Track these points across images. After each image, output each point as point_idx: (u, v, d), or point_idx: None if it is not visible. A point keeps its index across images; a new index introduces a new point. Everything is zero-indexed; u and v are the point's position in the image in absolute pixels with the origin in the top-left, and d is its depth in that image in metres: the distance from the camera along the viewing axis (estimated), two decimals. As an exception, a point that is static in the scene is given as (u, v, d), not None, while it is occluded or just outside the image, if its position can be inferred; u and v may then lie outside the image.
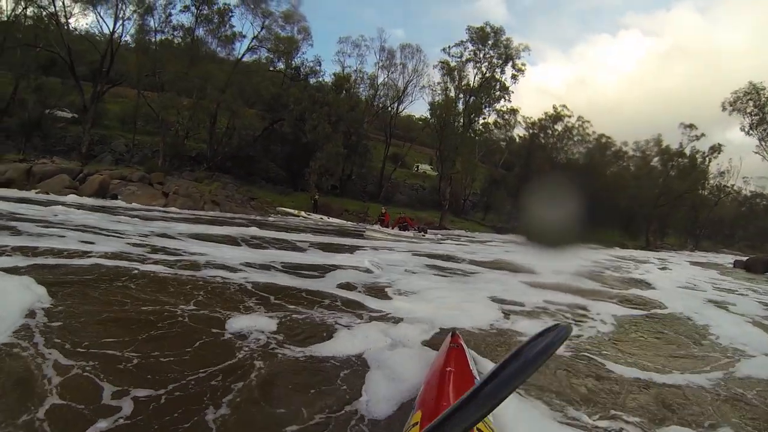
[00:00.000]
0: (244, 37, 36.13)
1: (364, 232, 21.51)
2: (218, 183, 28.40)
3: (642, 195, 52.89)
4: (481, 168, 47.71)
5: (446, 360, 3.08)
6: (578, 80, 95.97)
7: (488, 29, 40.60)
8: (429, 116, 43.74)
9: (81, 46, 32.96)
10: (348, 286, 7.78)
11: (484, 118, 42.94)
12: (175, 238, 11.44)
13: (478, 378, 2.97)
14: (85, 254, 7.60)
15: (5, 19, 30.71)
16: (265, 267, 8.80)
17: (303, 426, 3.04)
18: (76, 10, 32.05)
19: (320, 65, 39.92)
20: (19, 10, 30.96)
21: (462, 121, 40.12)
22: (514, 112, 46.04)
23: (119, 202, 22.15)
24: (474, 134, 42.08)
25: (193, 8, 34.38)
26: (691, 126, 52.84)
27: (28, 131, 31.36)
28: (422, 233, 22.67)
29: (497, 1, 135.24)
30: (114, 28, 32.02)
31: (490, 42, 40.43)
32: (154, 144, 34.57)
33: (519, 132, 50.61)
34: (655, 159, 54.16)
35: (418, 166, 55.44)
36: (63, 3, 30.97)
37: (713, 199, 59.15)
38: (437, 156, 43.26)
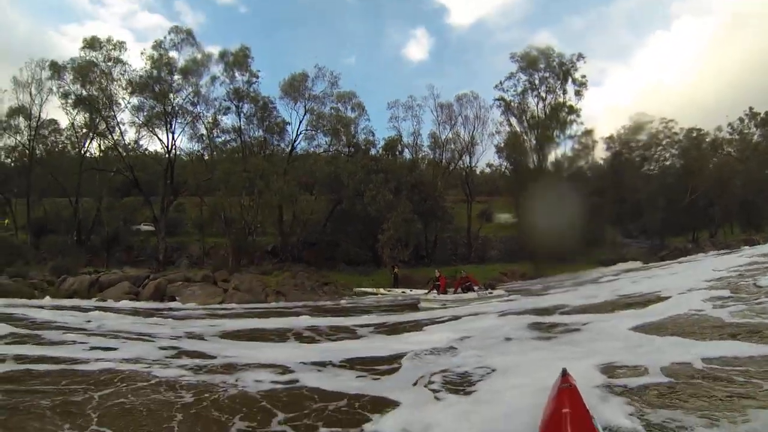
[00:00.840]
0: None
1: (418, 303, 18.94)
2: (288, 273, 26.46)
3: (756, 179, 46.13)
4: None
5: (559, 401, 3.03)
6: (647, 87, 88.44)
7: (534, 52, 37.27)
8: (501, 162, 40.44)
9: (149, 165, 36.67)
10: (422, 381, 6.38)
11: (558, 148, 39.12)
12: (207, 340, 10.54)
13: (594, 416, 2.95)
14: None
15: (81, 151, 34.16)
16: (315, 365, 7.64)
17: None
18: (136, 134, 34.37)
19: (373, 135, 37.24)
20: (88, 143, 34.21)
21: (535, 157, 36.34)
22: (589, 133, 41.09)
23: (175, 304, 21.38)
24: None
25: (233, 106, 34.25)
26: None
27: (108, 246, 32.94)
28: (488, 291, 20.09)
29: (545, 35, 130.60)
30: (167, 142, 33.53)
31: (542, 65, 36.88)
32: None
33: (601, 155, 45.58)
34: (759, 133, 48.33)
35: (499, 217, 49.12)
36: (120, 130, 33.75)
37: None
38: (516, 201, 39.01)
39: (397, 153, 35.47)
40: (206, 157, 34.72)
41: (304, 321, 14.27)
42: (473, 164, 42.03)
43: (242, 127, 34.36)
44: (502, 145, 38.19)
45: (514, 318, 11.98)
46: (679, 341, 7.43)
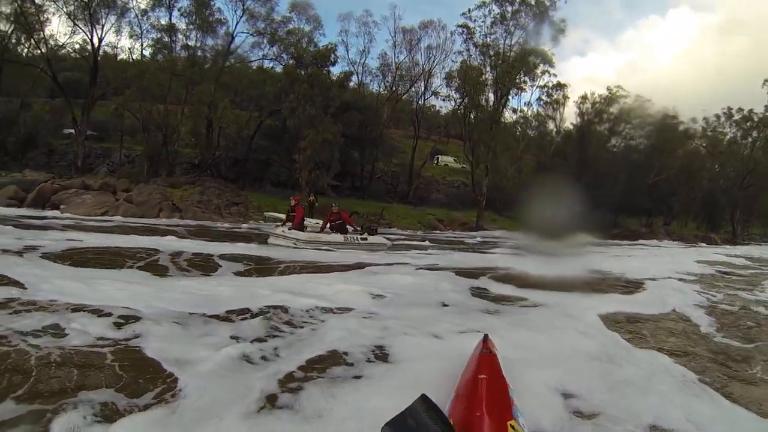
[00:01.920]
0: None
1: (268, 238, 14.28)
2: (199, 188, 23.12)
3: (723, 177, 44.45)
4: (527, 159, 40.47)
5: (477, 367, 2.98)
6: (629, 67, 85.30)
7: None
8: (450, 93, 35.75)
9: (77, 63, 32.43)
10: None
11: (522, 94, 36.07)
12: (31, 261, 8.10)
13: (511, 386, 2.90)
14: None
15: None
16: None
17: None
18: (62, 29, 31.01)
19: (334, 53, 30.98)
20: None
21: (492, 98, 32.63)
22: (561, 87, 38.37)
23: (52, 212, 18.96)
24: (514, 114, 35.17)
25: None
26: None
27: (23, 148, 29.94)
28: (359, 237, 14.31)
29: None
30: (91, 37, 29.15)
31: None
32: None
33: (570, 119, 43.14)
34: (732, 132, 46.36)
35: (438, 158, 44.96)
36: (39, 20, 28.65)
37: None
38: (466, 143, 35.10)
39: (330, 65, 30.16)
40: (134, 56, 30.64)
41: (168, 243, 11.57)
42: (427, 97, 38.21)
43: (173, 23, 29.63)
44: (455, 73, 34.00)
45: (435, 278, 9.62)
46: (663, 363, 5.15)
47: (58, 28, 29.97)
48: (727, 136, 46.53)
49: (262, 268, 9.65)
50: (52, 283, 6.07)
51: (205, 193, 22.67)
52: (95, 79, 29.04)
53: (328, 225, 14.40)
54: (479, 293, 8.48)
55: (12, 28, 28.44)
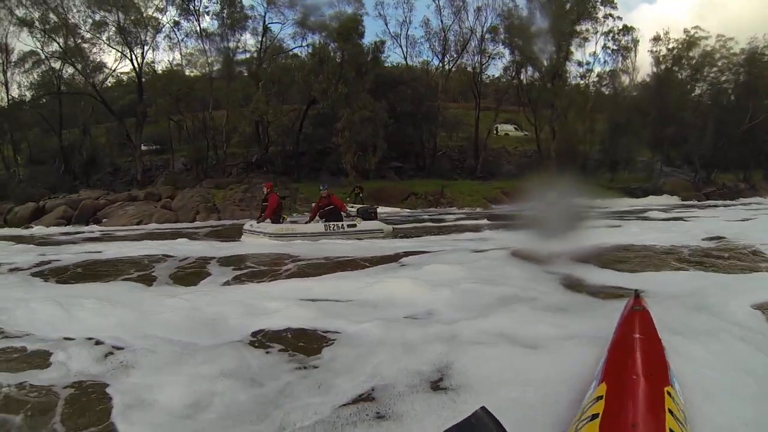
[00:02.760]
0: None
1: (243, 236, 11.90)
2: (245, 186, 22.12)
3: None
4: (600, 117, 35.82)
5: (630, 325, 2.77)
6: (707, 6, 75.23)
7: None
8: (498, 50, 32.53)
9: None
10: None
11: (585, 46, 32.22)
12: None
13: (666, 347, 2.64)
14: None
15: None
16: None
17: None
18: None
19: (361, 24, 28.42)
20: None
21: (552, 50, 29.27)
22: (628, 31, 34.02)
23: (91, 227, 18.40)
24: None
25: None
26: None
27: (86, 170, 30.90)
28: (350, 223, 11.78)
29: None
30: (131, 57, 29.81)
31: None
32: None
33: (645, 71, 37.98)
34: None
35: (497, 128, 39.40)
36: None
37: None
38: (524, 107, 32.10)
39: (358, 38, 27.64)
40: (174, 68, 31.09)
41: (179, 247, 10.15)
42: (484, 63, 34.37)
43: (204, 27, 29.53)
44: (501, 26, 30.71)
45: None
46: None
47: (104, 56, 29.81)
48: None
49: (263, 271, 7.52)
50: (26, 308, 4.82)
51: (249, 191, 21.74)
52: (141, 95, 29.44)
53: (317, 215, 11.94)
54: (571, 283, 6.00)
55: (62, 63, 29.47)
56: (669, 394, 2.02)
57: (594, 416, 1.82)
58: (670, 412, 1.85)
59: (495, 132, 37.50)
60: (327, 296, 5.26)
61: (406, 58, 34.27)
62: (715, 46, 35.58)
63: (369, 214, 12.36)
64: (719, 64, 36.08)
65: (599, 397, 1.94)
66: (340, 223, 11.62)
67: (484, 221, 16.21)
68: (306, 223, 11.95)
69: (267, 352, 3.61)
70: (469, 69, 35.24)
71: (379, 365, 3.16)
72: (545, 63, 29.66)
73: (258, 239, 11.13)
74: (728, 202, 27.56)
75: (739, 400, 2.56)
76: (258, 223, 11.63)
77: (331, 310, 4.60)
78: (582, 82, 35.48)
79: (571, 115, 31.63)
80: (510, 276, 6.26)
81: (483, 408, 1.55)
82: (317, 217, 11.80)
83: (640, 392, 1.96)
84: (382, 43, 30.20)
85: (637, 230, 12.05)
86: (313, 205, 12.48)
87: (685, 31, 35.63)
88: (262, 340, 3.89)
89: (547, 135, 30.13)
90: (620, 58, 35.38)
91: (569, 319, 4.10)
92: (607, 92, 37.46)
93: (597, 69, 35.48)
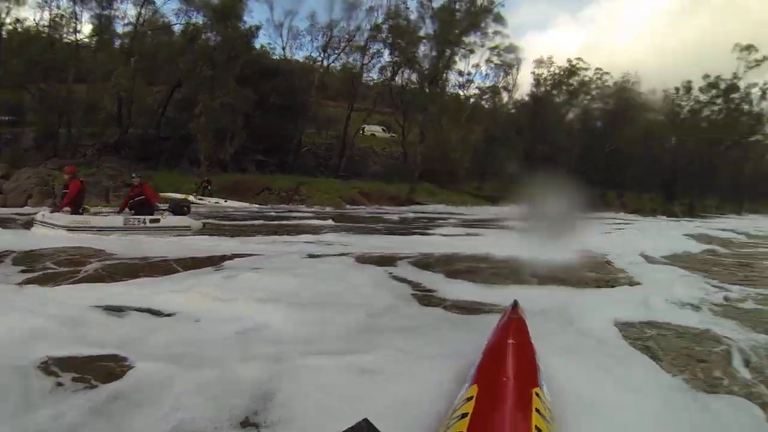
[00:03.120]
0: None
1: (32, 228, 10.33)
2: (93, 170, 20.87)
3: (682, 149, 45.00)
4: (475, 129, 37.39)
5: (505, 331, 2.89)
6: (590, 45, 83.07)
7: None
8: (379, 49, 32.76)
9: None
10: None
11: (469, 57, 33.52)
12: None
13: (537, 352, 2.83)
14: None
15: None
16: None
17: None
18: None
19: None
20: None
21: (432, 53, 30.18)
22: (514, 50, 35.96)
23: None
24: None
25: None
26: (749, 48, 41.20)
27: None
28: (153, 218, 10.64)
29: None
30: None
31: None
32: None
33: (525, 91, 41.22)
34: (691, 104, 45.46)
35: (364, 128, 38.07)
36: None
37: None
38: (398, 107, 32.54)
39: (238, 21, 26.81)
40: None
41: None
42: (364, 62, 33.87)
43: None
44: (385, 25, 30.65)
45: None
46: None
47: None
48: (685, 108, 45.49)
49: (58, 273, 6.15)
50: None
51: (96, 175, 20.17)
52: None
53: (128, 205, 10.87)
54: (422, 297, 5.66)
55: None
56: (537, 395, 2.14)
57: (464, 415, 1.89)
58: (538, 411, 1.96)
59: (362, 131, 37.10)
60: (124, 306, 4.43)
61: (284, 48, 33.29)
62: (592, 77, 39.62)
63: (181, 209, 11.44)
64: (594, 93, 40.16)
65: (470, 398, 2.02)
66: (141, 218, 10.57)
67: (329, 222, 15.27)
68: (117, 214, 10.81)
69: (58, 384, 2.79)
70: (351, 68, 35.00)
71: (181, 397, 2.62)
72: (425, 67, 30.37)
73: (50, 232, 9.83)
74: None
75: (601, 404, 2.72)
76: (52, 213, 10.18)
77: (126, 327, 3.91)
78: (461, 92, 37.26)
79: (444, 121, 32.52)
80: (353, 284, 5.79)
81: (365, 420, 1.60)
82: (128, 209, 10.73)
83: (509, 393, 2.06)
84: (258, 28, 29.35)
85: (494, 240, 12.19)
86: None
87: (569, 60, 39.16)
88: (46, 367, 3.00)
89: (415, 139, 30.66)
90: (502, 74, 37.57)
91: (419, 340, 3.76)
92: (486, 105, 39.63)
93: (478, 82, 37.22)
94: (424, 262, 8.03)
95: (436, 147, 32.41)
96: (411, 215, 21.06)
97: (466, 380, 2.39)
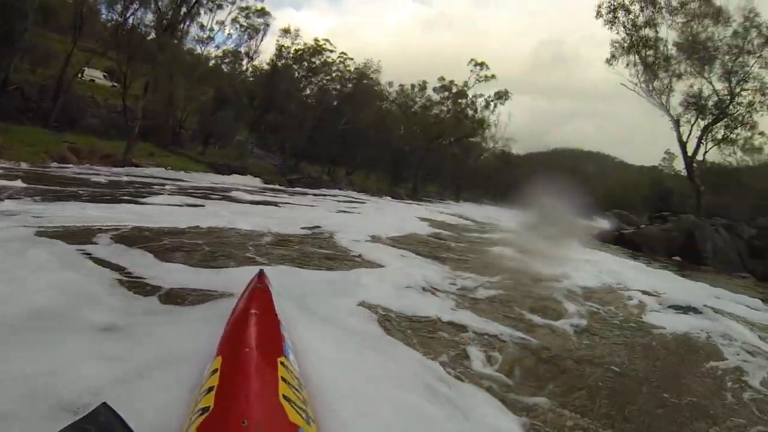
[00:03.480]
0: None
1: None
2: None
3: (412, 138, 52.84)
4: (206, 89, 39.94)
5: (249, 301, 3.09)
6: (345, 32, 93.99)
7: None
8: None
9: None
10: None
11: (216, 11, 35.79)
12: None
13: (282, 322, 3.04)
14: None
15: None
16: None
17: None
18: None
19: None
20: None
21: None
22: (264, 14, 39.64)
23: None
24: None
25: None
26: (482, 64, 53.65)
27: None
28: None
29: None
30: None
31: None
32: None
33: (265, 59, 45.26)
34: (428, 97, 56.66)
35: (83, 71, 36.08)
36: None
37: (483, 148, 64.86)
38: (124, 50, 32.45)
39: None
40: None
41: None
42: None
43: None
44: None
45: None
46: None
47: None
48: (418, 104, 56.64)
49: None
50: None
51: None
52: None
53: None
54: (129, 281, 5.13)
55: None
56: (282, 364, 2.38)
57: (210, 389, 2.03)
58: (284, 380, 2.18)
59: (81, 75, 35.33)
60: None
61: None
62: (335, 60, 45.02)
63: None
64: (334, 74, 45.67)
65: (215, 371, 2.18)
66: None
67: (17, 183, 12.88)
68: None
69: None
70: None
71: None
72: (166, 11, 30.66)
73: None
74: (309, 190, 32.87)
75: (349, 373, 3.18)
76: None
77: None
78: (200, 48, 39.12)
79: (174, 76, 33.56)
80: (27, 268, 4.49)
81: (104, 404, 1.71)
82: None
83: (252, 363, 2.25)
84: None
85: (214, 211, 12.41)
86: None
87: (316, 39, 43.95)
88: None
89: (139, 92, 30.34)
90: (246, 38, 40.35)
91: (125, 342, 3.23)
92: (225, 68, 42.13)
93: (219, 41, 39.41)
94: (132, 238, 7.37)
95: (160, 103, 33.19)
96: (125, 178, 20.50)
97: (213, 352, 2.53)
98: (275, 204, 17.83)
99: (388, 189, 47.86)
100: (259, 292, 3.32)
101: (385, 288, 6.31)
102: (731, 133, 32.20)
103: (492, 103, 55.70)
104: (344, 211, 19.29)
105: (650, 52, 33.19)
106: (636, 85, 34.11)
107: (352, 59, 46.47)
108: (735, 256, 21.92)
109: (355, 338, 4.19)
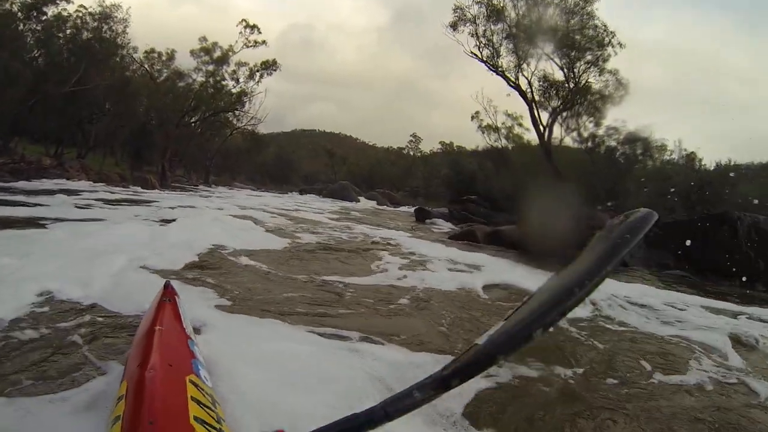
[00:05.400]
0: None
1: None
2: None
3: (163, 110, 43.42)
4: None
5: (155, 317, 2.74)
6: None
7: None
8: None
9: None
10: None
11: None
12: None
13: (192, 337, 2.75)
14: None
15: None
16: None
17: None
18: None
19: None
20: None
21: None
22: None
23: None
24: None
25: None
26: (254, 27, 44.96)
27: None
28: None
29: None
30: None
31: None
32: None
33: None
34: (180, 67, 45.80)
35: None
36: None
37: (234, 125, 53.65)
38: None
39: None
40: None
41: None
42: None
43: None
44: None
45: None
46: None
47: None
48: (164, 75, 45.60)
49: None
50: None
51: None
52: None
53: None
54: None
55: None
56: (192, 382, 2.07)
57: (117, 419, 1.75)
58: (194, 399, 1.89)
59: None
60: None
61: None
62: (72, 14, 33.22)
63: None
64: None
65: (120, 397, 1.89)
66: None
67: None
68: None
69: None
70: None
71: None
72: None
73: None
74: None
75: (265, 382, 2.94)
76: None
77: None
78: None
79: None
80: None
81: None
82: None
83: (157, 386, 1.91)
84: None
85: None
86: None
87: None
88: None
89: None
90: None
91: None
92: None
93: None
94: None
95: None
96: None
97: (121, 377, 2.25)
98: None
99: (140, 176, 35.23)
100: (167, 307, 2.92)
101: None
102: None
103: (258, 74, 46.65)
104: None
105: (496, 27, 30.08)
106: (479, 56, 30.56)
107: (92, 14, 34.58)
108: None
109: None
